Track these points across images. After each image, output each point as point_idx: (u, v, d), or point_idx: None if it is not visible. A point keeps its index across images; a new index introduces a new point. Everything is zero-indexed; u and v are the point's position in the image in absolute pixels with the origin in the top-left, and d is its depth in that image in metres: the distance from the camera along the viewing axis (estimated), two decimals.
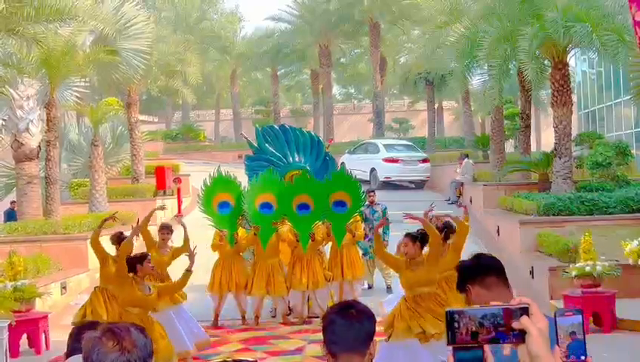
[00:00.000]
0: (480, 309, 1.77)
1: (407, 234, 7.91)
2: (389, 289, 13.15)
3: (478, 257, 3.47)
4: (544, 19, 15.83)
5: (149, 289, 7.71)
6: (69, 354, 3.72)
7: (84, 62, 17.04)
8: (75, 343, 3.65)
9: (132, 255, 7.90)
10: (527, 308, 1.76)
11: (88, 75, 18.38)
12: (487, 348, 1.79)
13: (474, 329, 1.75)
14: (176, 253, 10.11)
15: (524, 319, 1.75)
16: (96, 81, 19.00)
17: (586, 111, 35.14)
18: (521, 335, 1.75)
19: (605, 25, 15.37)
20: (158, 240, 10.42)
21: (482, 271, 3.27)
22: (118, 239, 9.54)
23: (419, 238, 7.78)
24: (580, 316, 1.94)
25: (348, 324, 2.90)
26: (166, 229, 10.49)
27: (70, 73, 17.37)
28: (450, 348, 1.79)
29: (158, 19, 36.33)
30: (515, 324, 1.74)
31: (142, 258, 7.75)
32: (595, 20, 15.30)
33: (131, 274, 7.69)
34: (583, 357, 1.94)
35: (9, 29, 13.78)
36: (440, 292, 7.97)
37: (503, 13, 16.88)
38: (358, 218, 12.49)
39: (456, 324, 1.75)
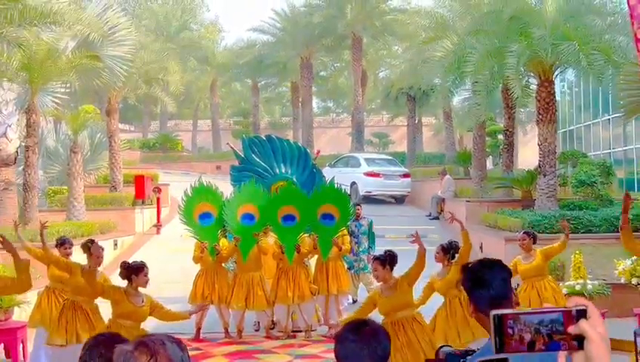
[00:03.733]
0: (535, 314, 1.59)
1: (376, 258, 7.73)
2: None
3: (485, 269, 3.16)
4: (532, 36, 15.88)
5: (142, 300, 7.46)
6: None
7: (67, 68, 16.75)
8: (86, 353, 3.29)
9: (130, 264, 7.65)
10: (585, 310, 1.58)
11: (69, 81, 18.08)
12: None
13: (530, 337, 1.57)
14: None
15: (583, 323, 1.57)
16: (78, 87, 18.68)
17: (564, 130, 35.39)
18: (578, 341, 1.57)
19: (592, 44, 15.46)
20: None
21: (492, 288, 3.03)
22: (87, 248, 9.11)
23: (387, 261, 7.59)
24: None
25: (363, 342, 2.78)
26: (68, 243, 9.59)
27: (52, 78, 17.08)
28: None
29: (137, 28, 36.05)
30: (572, 329, 1.56)
31: (138, 269, 7.50)
32: (583, 39, 15.38)
33: (125, 284, 7.48)
34: None
35: None
36: (417, 315, 7.69)
37: (491, 30, 16.91)
38: (346, 231, 12.33)
39: (510, 330, 1.58)
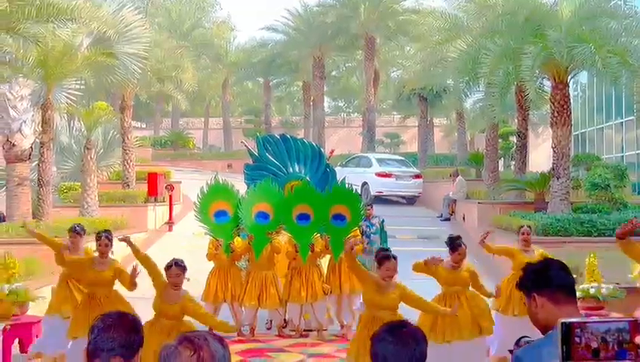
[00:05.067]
0: (602, 322, 1.62)
1: (394, 257, 7.60)
2: None
3: (550, 265, 3.20)
4: (547, 38, 15.84)
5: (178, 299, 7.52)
6: (91, 354, 3.20)
7: (82, 65, 16.82)
8: (96, 338, 3.14)
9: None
10: None
11: (84, 78, 18.16)
12: None
13: (596, 345, 1.58)
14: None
15: None
16: (92, 83, 18.78)
17: (576, 133, 35.34)
18: None
19: (608, 47, 15.41)
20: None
21: (552, 283, 3.06)
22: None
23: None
24: None
25: (402, 344, 2.80)
26: (73, 231, 9.78)
27: (67, 75, 17.16)
28: None
29: (151, 25, 36.14)
30: (639, 339, 1.59)
31: (167, 268, 7.61)
32: (598, 42, 15.34)
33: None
34: None
35: (9, 28, 13.58)
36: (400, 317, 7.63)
37: (506, 32, 16.87)
38: (358, 232, 12.32)
39: (577, 339, 1.59)
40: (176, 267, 7.58)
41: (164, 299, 7.44)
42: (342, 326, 11.70)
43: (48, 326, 9.49)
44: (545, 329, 2.96)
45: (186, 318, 7.78)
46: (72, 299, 9.40)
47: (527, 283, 3.14)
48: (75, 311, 8.75)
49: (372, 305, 7.44)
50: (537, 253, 9.36)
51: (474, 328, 8.49)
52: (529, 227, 9.73)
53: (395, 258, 7.62)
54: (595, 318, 1.65)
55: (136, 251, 8.26)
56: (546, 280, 3.07)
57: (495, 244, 9.69)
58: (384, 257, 7.62)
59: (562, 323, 1.59)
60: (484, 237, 9.56)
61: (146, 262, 8.02)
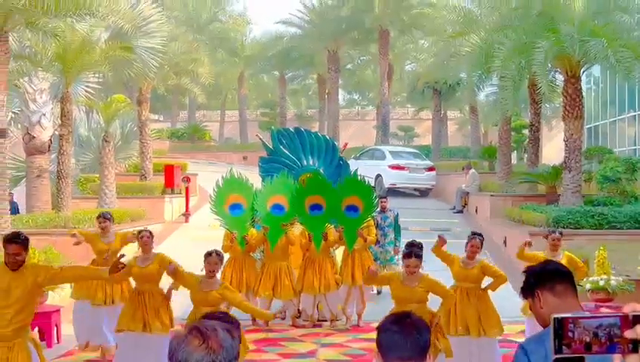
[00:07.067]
0: (594, 318, 1.67)
1: (418, 256, 7.65)
2: None
3: (547, 263, 3.46)
4: (560, 32, 15.91)
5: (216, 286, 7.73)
6: None
7: (100, 58, 17.08)
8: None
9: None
10: None
11: (102, 71, 18.41)
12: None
13: (588, 340, 1.65)
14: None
15: (639, 328, 1.64)
16: (110, 77, 19.03)
17: (589, 126, 35.28)
18: (634, 345, 1.63)
19: (620, 41, 15.47)
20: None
21: (553, 277, 3.25)
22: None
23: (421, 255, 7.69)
24: None
25: (406, 333, 2.86)
26: (102, 218, 10.10)
27: (85, 68, 17.43)
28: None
29: (168, 19, 36.26)
30: (628, 333, 1.64)
31: (207, 255, 7.87)
32: (611, 36, 15.39)
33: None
34: None
35: (29, 22, 13.83)
36: (427, 312, 7.61)
37: (519, 26, 16.96)
38: (372, 223, 12.48)
39: (570, 334, 1.65)
40: (216, 256, 7.90)
41: (202, 288, 7.65)
42: (347, 319, 11.85)
43: (79, 313, 9.77)
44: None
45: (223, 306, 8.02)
46: (96, 285, 9.59)
47: (530, 283, 3.32)
48: (126, 305, 8.81)
49: (400, 300, 7.57)
50: (565, 256, 9.23)
51: (480, 328, 8.54)
52: (560, 233, 9.50)
53: (417, 256, 7.63)
54: (587, 313, 1.75)
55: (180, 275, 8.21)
56: (546, 274, 3.27)
57: (527, 252, 9.56)
58: (405, 254, 7.76)
59: (555, 318, 1.65)
60: (526, 245, 9.48)
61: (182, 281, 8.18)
